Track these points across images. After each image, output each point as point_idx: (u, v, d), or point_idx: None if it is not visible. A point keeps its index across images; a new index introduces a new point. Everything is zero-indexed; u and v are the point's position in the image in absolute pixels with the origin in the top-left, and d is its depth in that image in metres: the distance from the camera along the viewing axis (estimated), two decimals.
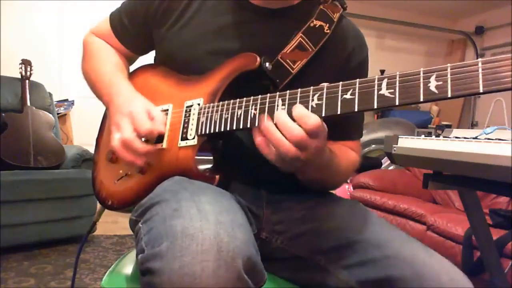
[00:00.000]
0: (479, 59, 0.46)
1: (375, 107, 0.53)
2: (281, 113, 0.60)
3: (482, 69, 0.45)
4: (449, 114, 4.60)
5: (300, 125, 0.58)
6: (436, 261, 0.63)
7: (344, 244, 0.70)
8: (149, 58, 0.96)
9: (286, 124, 0.59)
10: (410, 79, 0.50)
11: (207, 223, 0.51)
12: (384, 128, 3.79)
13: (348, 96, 0.56)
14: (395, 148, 1.10)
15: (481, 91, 0.45)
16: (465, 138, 0.94)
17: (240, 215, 0.58)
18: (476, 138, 0.96)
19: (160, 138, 0.77)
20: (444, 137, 1.07)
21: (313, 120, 0.57)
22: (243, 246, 0.51)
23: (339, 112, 0.56)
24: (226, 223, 0.53)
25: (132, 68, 0.97)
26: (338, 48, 0.83)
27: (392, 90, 0.52)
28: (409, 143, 1.07)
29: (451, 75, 0.47)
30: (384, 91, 0.52)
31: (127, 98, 0.78)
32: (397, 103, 0.51)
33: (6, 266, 2.00)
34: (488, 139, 0.93)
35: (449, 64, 0.48)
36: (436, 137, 1.08)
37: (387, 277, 0.63)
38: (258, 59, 0.71)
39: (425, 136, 1.07)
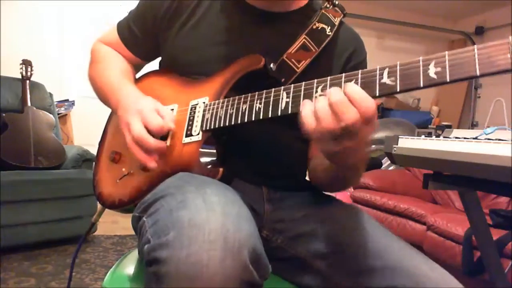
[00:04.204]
0: (475, 45, 0.48)
1: (377, 94, 0.55)
2: (353, 86, 0.55)
3: (478, 54, 0.47)
4: (449, 114, 4.60)
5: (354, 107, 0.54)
6: (438, 274, 0.64)
7: (344, 251, 0.70)
8: (155, 65, 0.96)
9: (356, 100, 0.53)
10: (410, 67, 0.52)
11: (214, 214, 0.52)
12: (385, 128, 3.79)
13: None
14: (395, 148, 1.10)
15: (477, 74, 0.47)
16: (465, 138, 0.95)
17: (245, 208, 0.59)
18: (476, 138, 0.96)
19: (164, 136, 0.77)
20: (444, 137, 1.08)
21: (370, 103, 0.53)
22: (249, 238, 0.52)
23: None
24: (232, 215, 0.53)
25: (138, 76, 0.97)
26: (339, 49, 0.86)
27: (393, 78, 0.53)
28: (409, 143, 1.07)
29: (449, 61, 0.49)
30: (385, 79, 0.54)
31: (135, 99, 0.79)
32: (398, 90, 0.53)
33: (7, 266, 2.01)
34: (488, 139, 0.93)
35: (446, 52, 0.50)
36: (436, 137, 1.08)
37: (388, 287, 0.63)
38: (263, 60, 0.73)
39: (425, 136, 1.07)
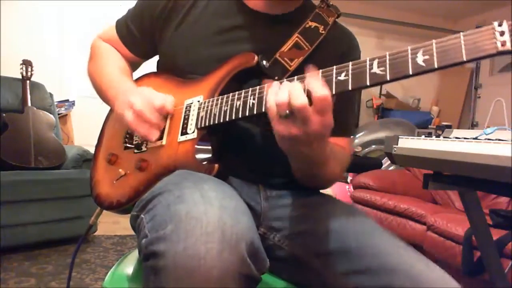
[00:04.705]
0: (461, 32, 0.49)
1: (368, 84, 0.56)
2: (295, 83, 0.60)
3: (464, 40, 0.48)
4: (449, 114, 4.60)
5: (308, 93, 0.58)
6: (435, 274, 0.63)
7: (341, 250, 0.70)
8: (153, 66, 0.97)
9: (294, 89, 0.58)
10: (399, 57, 0.54)
11: (211, 207, 0.52)
12: (384, 129, 3.79)
13: (342, 77, 0.58)
14: (395, 149, 1.10)
15: (464, 59, 0.48)
16: (465, 138, 0.95)
17: (242, 203, 0.59)
18: (476, 138, 0.96)
19: (159, 135, 0.78)
20: (444, 137, 1.08)
21: (321, 92, 0.57)
22: (247, 231, 0.52)
23: (334, 92, 0.59)
24: (230, 208, 0.53)
25: (136, 75, 0.98)
26: (332, 47, 0.86)
27: (383, 68, 0.54)
28: (409, 143, 1.07)
29: (436, 48, 0.51)
30: (375, 69, 0.55)
31: (133, 90, 0.81)
32: (388, 79, 0.54)
33: (7, 266, 2.01)
34: (488, 139, 0.93)
35: (434, 40, 0.51)
36: (436, 137, 1.08)
37: (385, 287, 0.63)
38: (256, 57, 0.73)
39: (425, 136, 1.07)
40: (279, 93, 0.59)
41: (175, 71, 0.86)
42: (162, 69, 0.91)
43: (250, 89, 0.68)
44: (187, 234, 0.49)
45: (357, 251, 0.68)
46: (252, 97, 0.67)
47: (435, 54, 0.50)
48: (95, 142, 0.97)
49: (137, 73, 1.00)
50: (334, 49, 0.86)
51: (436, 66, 0.50)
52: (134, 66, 1.00)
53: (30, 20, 3.36)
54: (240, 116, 0.68)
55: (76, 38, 3.42)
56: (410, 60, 0.52)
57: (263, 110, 0.65)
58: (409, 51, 0.52)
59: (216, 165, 0.69)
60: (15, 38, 3.28)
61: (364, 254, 0.67)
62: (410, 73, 0.52)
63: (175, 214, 0.52)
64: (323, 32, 0.84)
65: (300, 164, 0.74)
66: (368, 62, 0.56)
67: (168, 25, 0.87)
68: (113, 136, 0.91)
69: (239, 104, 0.69)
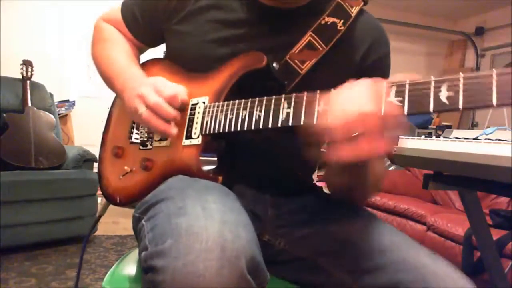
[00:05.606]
0: (493, 70, 0.43)
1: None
2: None
3: (496, 81, 0.43)
4: (449, 114, 4.60)
5: None
6: (442, 267, 0.63)
7: (348, 248, 0.70)
8: (158, 50, 0.94)
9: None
10: (421, 88, 0.48)
11: (212, 221, 0.51)
12: None
13: None
14: (395, 149, 1.10)
15: (494, 104, 0.43)
16: (465, 138, 0.95)
17: (244, 215, 0.58)
18: (476, 138, 0.96)
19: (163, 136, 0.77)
20: (444, 137, 1.08)
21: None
22: (247, 246, 0.51)
23: None
24: (231, 222, 0.52)
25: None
26: (353, 45, 0.78)
27: (401, 98, 0.50)
28: (409, 143, 1.07)
29: (463, 85, 0.45)
30: (392, 98, 0.50)
31: (142, 79, 0.77)
32: (406, 113, 0.49)
33: (7, 266, 2.01)
34: (488, 139, 0.93)
35: (461, 74, 0.46)
36: (436, 137, 1.08)
37: (394, 283, 0.62)
38: (265, 58, 0.69)
39: (425, 136, 1.07)
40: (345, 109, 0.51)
41: (182, 64, 0.82)
42: (169, 58, 0.87)
43: (257, 99, 0.65)
44: (187, 250, 0.48)
45: (364, 249, 0.68)
46: (258, 109, 0.64)
47: (461, 92, 0.45)
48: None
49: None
50: (355, 48, 0.78)
51: (460, 106, 0.45)
52: (139, 50, 0.96)
53: (31, 20, 3.36)
54: (246, 128, 0.66)
55: (76, 39, 3.42)
56: (432, 95, 0.47)
57: (270, 125, 0.62)
58: (432, 83, 0.47)
59: (220, 178, 0.68)
60: (15, 38, 3.28)
61: (371, 251, 0.67)
62: (431, 110, 0.47)
63: (175, 227, 0.51)
64: (341, 28, 0.74)
65: (355, 184, 0.68)
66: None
67: (173, 20, 0.83)
68: (120, 126, 0.90)
69: (245, 115, 0.66)
